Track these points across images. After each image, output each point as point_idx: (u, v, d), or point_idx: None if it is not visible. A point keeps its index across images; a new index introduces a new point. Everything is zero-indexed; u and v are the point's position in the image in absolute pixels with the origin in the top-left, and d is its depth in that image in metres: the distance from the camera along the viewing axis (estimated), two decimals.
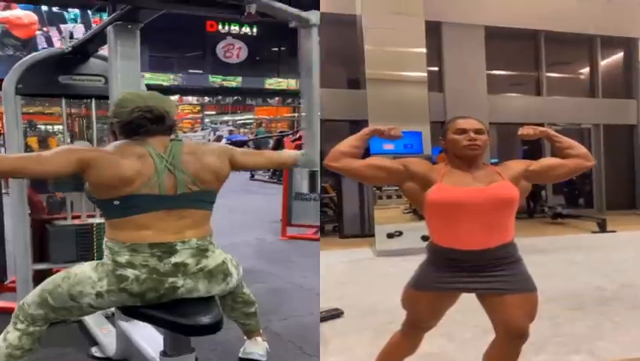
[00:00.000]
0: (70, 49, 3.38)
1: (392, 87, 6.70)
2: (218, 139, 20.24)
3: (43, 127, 17.75)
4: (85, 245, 3.40)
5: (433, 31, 8.87)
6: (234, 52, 24.40)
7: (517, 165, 2.21)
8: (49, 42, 21.90)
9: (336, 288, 4.44)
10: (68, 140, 3.77)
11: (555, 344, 3.31)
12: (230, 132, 22.40)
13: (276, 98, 29.71)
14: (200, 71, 27.12)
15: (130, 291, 2.04)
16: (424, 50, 6.84)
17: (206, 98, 30.35)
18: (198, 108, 31.35)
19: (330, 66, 8.36)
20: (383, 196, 6.69)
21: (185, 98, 29.86)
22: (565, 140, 2.27)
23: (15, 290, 3.48)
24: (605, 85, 10.63)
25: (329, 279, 4.61)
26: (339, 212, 7.99)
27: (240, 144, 17.47)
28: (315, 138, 2.67)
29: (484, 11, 8.93)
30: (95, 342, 3.14)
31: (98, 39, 3.23)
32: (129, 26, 2.74)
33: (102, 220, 3.23)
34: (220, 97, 29.97)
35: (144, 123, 2.14)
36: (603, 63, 10.70)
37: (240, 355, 2.86)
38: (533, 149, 10.29)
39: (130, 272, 2.04)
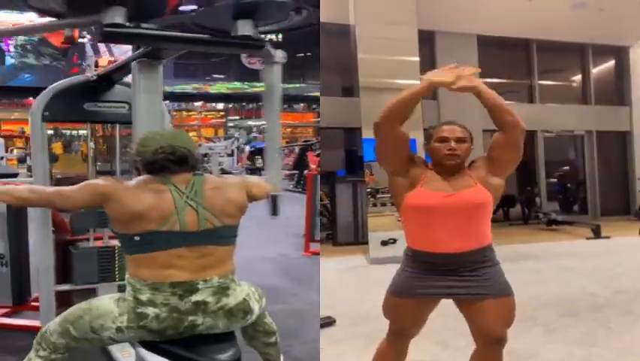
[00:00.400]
0: (95, 77, 3.52)
1: (386, 95, 6.68)
2: (242, 149, 20.35)
3: (67, 132, 17.83)
4: (106, 267, 3.46)
5: (427, 40, 8.96)
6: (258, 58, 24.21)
7: (482, 162, 2.22)
8: (96, 49, 21.01)
9: (328, 296, 4.43)
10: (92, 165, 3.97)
11: (548, 350, 3.32)
12: (254, 139, 22.41)
13: (301, 105, 29.74)
14: (222, 76, 27.40)
15: (149, 328, 2.06)
16: (417, 59, 6.88)
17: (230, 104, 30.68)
18: (222, 114, 31.30)
19: (325, 75, 8.42)
20: (377, 203, 6.69)
21: (209, 104, 30.45)
22: (491, 97, 2.16)
23: (37, 309, 3.58)
24: (597, 92, 10.71)
25: (322, 287, 4.60)
26: (333, 219, 7.98)
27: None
28: (277, 165, 2.94)
29: (477, 21, 9.03)
30: None
31: (123, 69, 3.36)
32: (152, 62, 2.90)
33: None
34: (244, 103, 30.09)
35: (167, 165, 2.14)
36: (595, 71, 10.80)
37: None
38: (529, 155, 10.39)
39: (150, 310, 2.05)
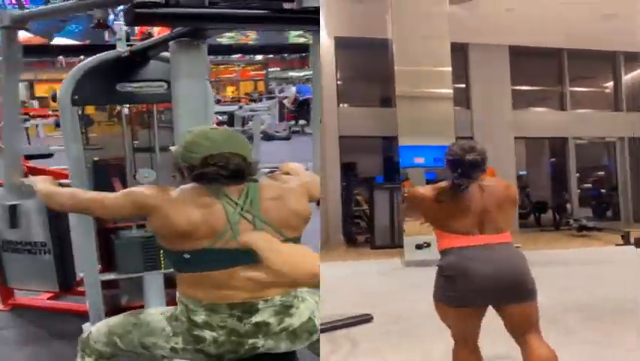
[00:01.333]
0: (127, 53, 3.11)
1: (420, 104, 7.08)
2: (281, 105, 18.02)
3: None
4: (151, 256, 3.24)
5: (460, 51, 9.29)
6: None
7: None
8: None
9: (366, 295, 4.77)
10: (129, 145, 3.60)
11: (569, 351, 3.37)
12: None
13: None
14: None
15: (207, 352, 1.91)
16: (450, 69, 7.19)
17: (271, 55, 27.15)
18: (261, 66, 28.13)
19: (365, 87, 8.85)
20: None
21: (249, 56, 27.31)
22: None
23: (83, 293, 3.60)
24: (629, 99, 10.80)
25: (361, 287, 4.95)
26: (371, 224, 8.34)
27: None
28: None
29: (508, 33, 9.28)
30: None
31: (159, 45, 2.84)
32: (195, 42, 2.42)
33: None
34: (285, 55, 27.11)
35: (219, 178, 1.86)
36: (627, 77, 10.88)
37: None
38: (562, 162, 10.57)
39: (207, 334, 1.89)
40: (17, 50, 3.01)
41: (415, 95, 7.06)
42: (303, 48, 23.53)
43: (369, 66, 8.13)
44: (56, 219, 3.64)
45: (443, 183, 2.34)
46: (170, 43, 2.46)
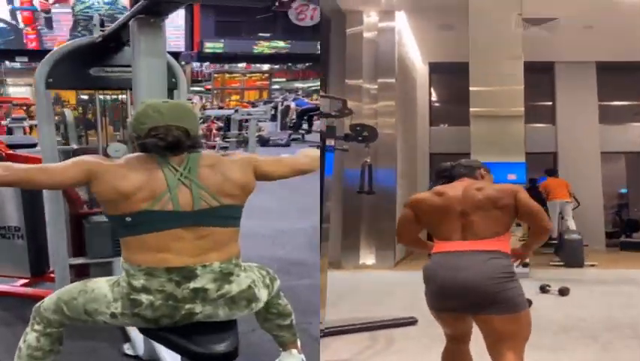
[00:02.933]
0: (101, 38, 3.13)
1: (492, 122, 7.36)
2: (286, 110, 18.67)
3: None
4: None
5: (547, 70, 9.50)
6: (308, 13, 18.90)
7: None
8: None
9: (411, 301, 4.64)
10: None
11: None
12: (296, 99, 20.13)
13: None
14: (268, 35, 24.79)
15: (143, 316, 1.94)
16: (522, 87, 7.38)
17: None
18: (266, 76, 28.35)
19: (454, 107, 9.32)
20: None
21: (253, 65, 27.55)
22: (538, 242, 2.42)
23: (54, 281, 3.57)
24: None
25: (408, 292, 5.10)
26: None
27: (312, 110, 16.34)
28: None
29: (594, 49, 9.28)
30: (128, 338, 3.09)
31: (126, 27, 2.83)
32: (152, 20, 2.48)
33: None
34: (290, 64, 27.52)
35: (156, 150, 1.98)
36: None
37: None
38: None
39: (144, 297, 1.92)
40: None
41: (488, 114, 7.36)
42: (309, 58, 23.51)
43: (458, 89, 8.53)
44: (31, 204, 3.62)
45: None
46: (130, 22, 2.52)
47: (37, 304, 2.17)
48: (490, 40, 7.32)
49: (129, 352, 3.02)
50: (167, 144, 1.96)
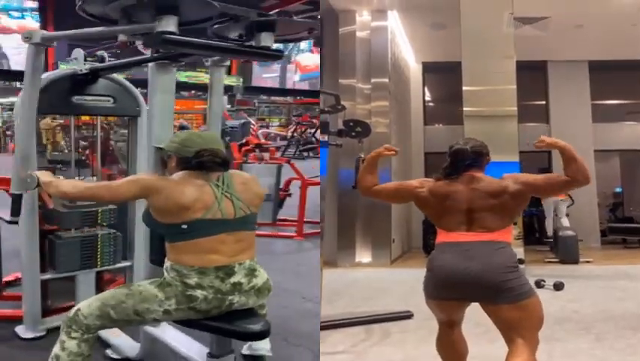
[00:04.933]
0: (86, 70, 3.48)
1: (486, 122, 7.37)
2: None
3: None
4: (88, 254, 3.53)
5: (540, 69, 9.54)
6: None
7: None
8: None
9: (411, 295, 4.75)
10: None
11: (588, 355, 3.46)
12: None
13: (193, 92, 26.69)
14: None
15: (198, 309, 2.32)
16: (515, 87, 7.43)
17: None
18: None
19: (447, 107, 9.34)
20: None
21: None
22: (571, 154, 2.41)
23: (8, 299, 3.78)
24: None
25: (404, 289, 5.32)
26: (434, 231, 8.58)
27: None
28: None
29: (587, 48, 9.35)
30: (107, 345, 3.22)
31: (120, 66, 3.57)
32: (169, 64, 3.00)
33: (106, 231, 3.54)
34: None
35: (213, 166, 2.39)
36: None
37: (244, 352, 3.02)
38: None
39: (199, 293, 2.30)
40: (40, 66, 3.13)
41: (482, 114, 7.39)
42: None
43: (451, 88, 8.55)
44: None
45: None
46: (150, 64, 3.02)
47: (72, 313, 2.38)
48: (482, 40, 7.32)
49: (114, 356, 3.18)
50: (221, 160, 2.41)
